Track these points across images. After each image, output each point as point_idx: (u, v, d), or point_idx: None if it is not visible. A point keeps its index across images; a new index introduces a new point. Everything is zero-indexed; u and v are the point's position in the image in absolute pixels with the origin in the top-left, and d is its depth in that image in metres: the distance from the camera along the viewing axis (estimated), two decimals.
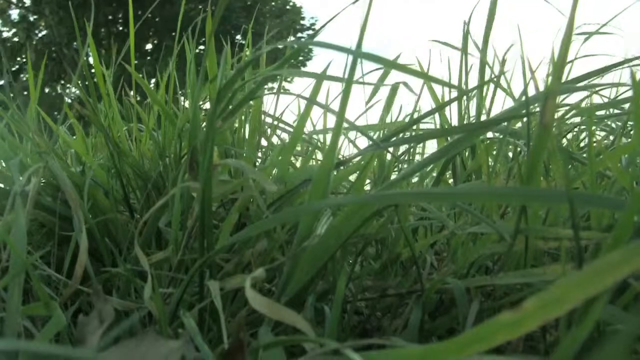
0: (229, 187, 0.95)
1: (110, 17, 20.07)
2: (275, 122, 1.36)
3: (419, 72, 0.82)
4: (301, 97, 1.02)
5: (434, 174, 1.23)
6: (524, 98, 1.19)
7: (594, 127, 1.43)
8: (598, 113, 1.31)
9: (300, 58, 18.62)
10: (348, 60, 0.78)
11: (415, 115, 1.48)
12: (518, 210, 0.72)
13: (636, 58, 1.22)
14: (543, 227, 0.75)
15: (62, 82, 21.61)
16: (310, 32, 21.51)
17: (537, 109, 0.94)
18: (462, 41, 1.42)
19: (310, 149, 1.35)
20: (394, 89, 1.35)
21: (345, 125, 0.76)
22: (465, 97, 1.36)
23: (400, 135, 0.96)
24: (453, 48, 1.42)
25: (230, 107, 0.99)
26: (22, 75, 19.38)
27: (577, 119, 1.38)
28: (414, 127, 1.37)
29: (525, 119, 1.00)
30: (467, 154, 1.31)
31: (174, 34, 1.50)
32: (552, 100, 0.70)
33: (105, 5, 19.57)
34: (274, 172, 1.11)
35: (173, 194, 0.92)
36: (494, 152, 1.21)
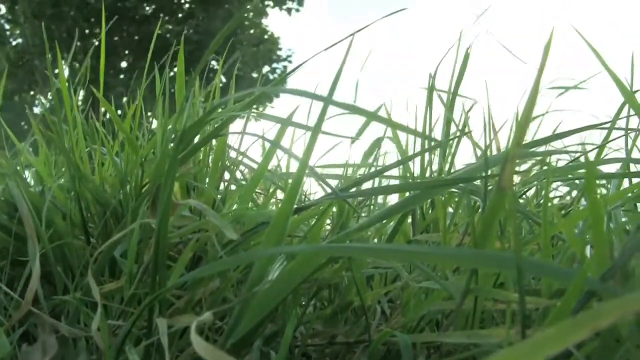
0: (189, 228, 0.95)
1: (87, 32, 20.01)
2: (240, 157, 1.36)
3: (387, 119, 0.83)
4: (265, 139, 1.03)
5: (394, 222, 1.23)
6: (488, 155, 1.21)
7: (554, 185, 1.45)
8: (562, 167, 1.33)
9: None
10: (314, 104, 0.80)
11: (380, 159, 1.50)
12: (469, 270, 0.73)
13: (598, 125, 1.24)
14: (492, 289, 0.76)
15: (32, 92, 21.45)
16: (286, 63, 21.65)
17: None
18: (427, 94, 1.44)
19: (272, 188, 1.35)
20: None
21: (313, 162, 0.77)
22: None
23: (364, 183, 0.97)
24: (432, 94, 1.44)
25: (196, 141, 0.99)
26: None
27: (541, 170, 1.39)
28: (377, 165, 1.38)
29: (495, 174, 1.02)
30: (427, 204, 1.32)
31: (148, 54, 1.50)
32: (511, 165, 0.71)
33: (83, 20, 19.51)
34: (233, 207, 1.12)
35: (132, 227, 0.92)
36: (456, 200, 1.22)
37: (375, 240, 1.23)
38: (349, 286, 1.01)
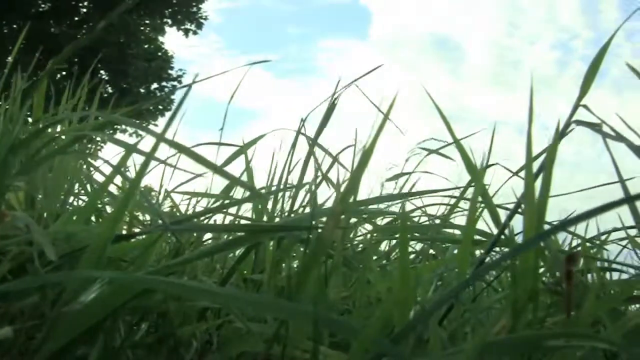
0: (12, 241, 0.94)
1: None
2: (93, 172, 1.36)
3: (227, 173, 0.86)
4: (108, 163, 1.04)
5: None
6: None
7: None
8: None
9: (161, 108, 18.55)
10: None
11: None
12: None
13: (443, 190, 1.30)
14: (298, 339, 0.79)
15: None
16: (176, 83, 21.32)
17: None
18: (294, 138, 1.48)
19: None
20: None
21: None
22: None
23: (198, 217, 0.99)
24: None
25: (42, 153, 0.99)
26: None
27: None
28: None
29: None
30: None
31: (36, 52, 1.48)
32: (334, 219, 0.75)
33: None
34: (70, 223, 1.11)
35: None
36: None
37: (217, 269, 1.25)
38: (174, 315, 1.02)
